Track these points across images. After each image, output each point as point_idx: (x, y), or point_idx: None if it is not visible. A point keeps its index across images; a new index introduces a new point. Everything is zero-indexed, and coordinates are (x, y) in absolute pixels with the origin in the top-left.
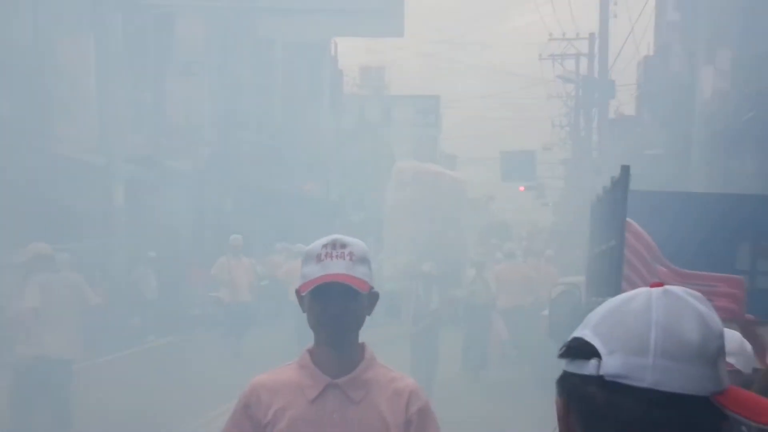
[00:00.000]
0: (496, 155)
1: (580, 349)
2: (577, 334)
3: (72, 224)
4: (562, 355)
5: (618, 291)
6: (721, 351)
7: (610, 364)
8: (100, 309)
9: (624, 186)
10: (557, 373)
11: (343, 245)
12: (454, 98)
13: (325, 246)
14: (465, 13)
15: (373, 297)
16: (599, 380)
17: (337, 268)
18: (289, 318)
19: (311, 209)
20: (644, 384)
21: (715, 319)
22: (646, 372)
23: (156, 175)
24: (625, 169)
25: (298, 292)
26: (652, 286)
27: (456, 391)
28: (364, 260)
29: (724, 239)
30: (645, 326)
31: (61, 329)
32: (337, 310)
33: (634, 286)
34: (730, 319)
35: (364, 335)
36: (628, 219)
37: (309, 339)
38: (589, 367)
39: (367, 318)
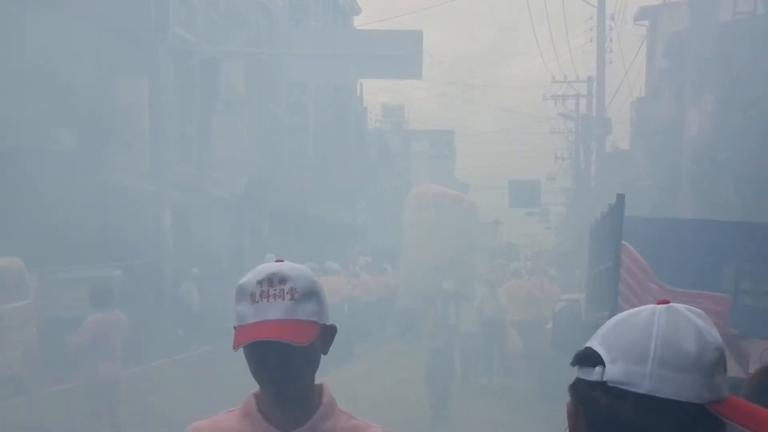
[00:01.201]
0: (504, 184)
1: (588, 357)
2: (588, 344)
3: (125, 244)
4: (573, 363)
5: (615, 306)
6: (718, 363)
7: (612, 371)
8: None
9: (620, 212)
10: (560, 381)
11: (283, 280)
12: (466, 133)
13: (260, 282)
14: (476, 59)
15: (328, 332)
16: (603, 386)
17: (274, 311)
18: None
19: (339, 232)
20: (642, 390)
21: (713, 333)
22: (645, 379)
23: (200, 201)
24: (621, 198)
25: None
26: (659, 303)
27: (469, 399)
28: (310, 295)
29: (710, 261)
30: (646, 337)
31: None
32: (276, 369)
33: (629, 302)
34: None
35: (378, 350)
36: (623, 242)
37: (336, 352)
38: (594, 374)
39: (381, 333)
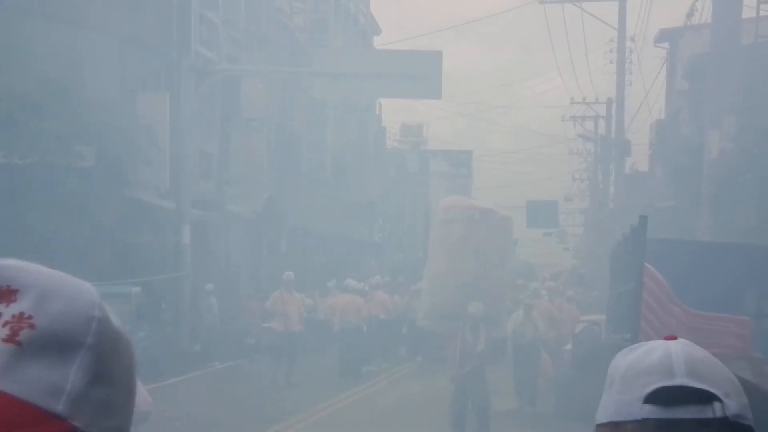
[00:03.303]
0: (522, 204)
1: (698, 395)
2: (666, 383)
3: (145, 260)
4: (678, 403)
5: (637, 328)
6: None
7: (732, 406)
8: None
9: (642, 234)
10: (579, 402)
11: (5, 292)
12: (485, 153)
13: None
14: (495, 79)
15: None
16: (723, 421)
17: None
18: (333, 347)
19: (356, 249)
20: (750, 422)
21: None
22: (749, 412)
23: (219, 218)
24: (644, 219)
25: None
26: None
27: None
28: (72, 346)
29: (732, 284)
30: (729, 372)
31: None
32: None
33: (650, 324)
34: (739, 356)
35: (393, 368)
36: (645, 263)
37: (352, 368)
38: (711, 410)
39: (394, 352)
